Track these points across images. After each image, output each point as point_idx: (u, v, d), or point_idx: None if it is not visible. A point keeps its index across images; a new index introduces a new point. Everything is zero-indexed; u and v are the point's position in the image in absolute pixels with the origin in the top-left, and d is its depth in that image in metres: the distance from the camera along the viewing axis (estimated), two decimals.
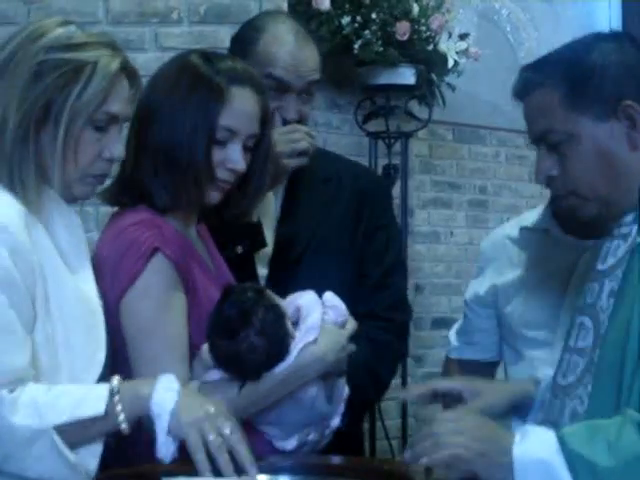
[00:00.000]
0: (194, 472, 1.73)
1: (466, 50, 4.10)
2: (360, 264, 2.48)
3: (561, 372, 1.80)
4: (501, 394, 1.95)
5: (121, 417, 1.73)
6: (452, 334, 2.93)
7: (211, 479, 1.72)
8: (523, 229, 2.65)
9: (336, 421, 2.08)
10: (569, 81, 1.78)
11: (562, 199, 1.83)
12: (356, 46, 3.88)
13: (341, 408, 2.09)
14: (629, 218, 1.79)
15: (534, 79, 1.82)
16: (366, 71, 4.03)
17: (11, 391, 1.72)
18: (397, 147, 4.25)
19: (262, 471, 1.81)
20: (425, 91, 4.19)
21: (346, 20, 3.85)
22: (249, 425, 1.98)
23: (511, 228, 2.74)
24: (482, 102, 4.92)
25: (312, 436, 2.06)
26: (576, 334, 1.80)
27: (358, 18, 3.86)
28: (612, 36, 1.86)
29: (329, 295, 2.08)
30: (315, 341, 1.97)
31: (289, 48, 2.42)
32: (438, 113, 4.39)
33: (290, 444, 2.03)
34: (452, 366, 2.91)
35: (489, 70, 4.64)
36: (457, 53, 4.06)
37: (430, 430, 1.62)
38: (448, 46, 4.03)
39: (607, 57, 1.80)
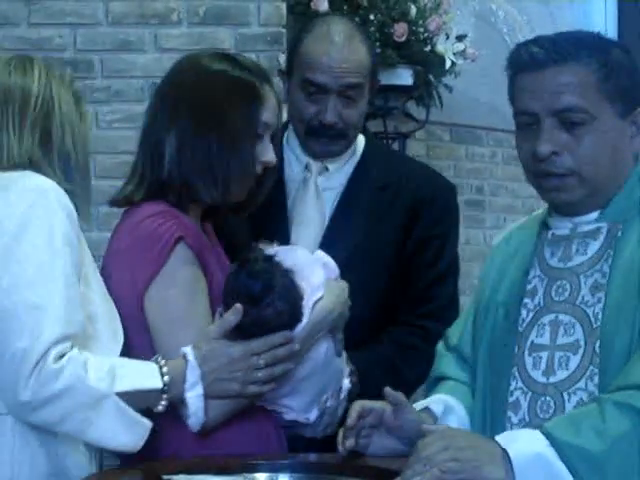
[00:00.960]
0: (194, 471, 1.76)
1: (463, 51, 4.11)
2: (407, 274, 2.47)
3: (537, 370, 1.82)
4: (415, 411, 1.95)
5: (164, 401, 1.90)
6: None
7: (211, 477, 1.74)
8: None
9: (346, 382, 2.14)
10: (605, 68, 1.79)
11: (558, 178, 1.81)
12: None
13: (347, 370, 2.16)
14: (592, 216, 1.85)
15: (570, 51, 1.79)
16: None
17: (80, 352, 1.83)
18: (395, 147, 4.27)
19: (262, 470, 1.84)
20: (422, 92, 4.21)
21: None
22: (266, 411, 2.06)
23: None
24: (479, 103, 4.94)
25: (330, 402, 2.11)
26: (549, 331, 1.82)
27: (356, 19, 3.87)
28: (624, 45, 1.89)
29: (321, 253, 2.15)
30: (322, 297, 2.04)
31: (325, 48, 2.41)
32: (435, 114, 4.40)
33: (313, 414, 2.09)
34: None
35: (486, 71, 4.66)
36: (454, 54, 4.07)
37: (416, 456, 1.64)
38: (445, 47, 4.04)
39: (630, 61, 1.84)
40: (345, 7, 3.88)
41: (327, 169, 2.53)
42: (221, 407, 1.97)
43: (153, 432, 1.90)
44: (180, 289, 1.97)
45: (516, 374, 1.85)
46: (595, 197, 1.83)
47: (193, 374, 1.92)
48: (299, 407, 2.09)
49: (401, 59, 3.97)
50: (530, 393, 1.82)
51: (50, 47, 3.60)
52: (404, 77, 4.04)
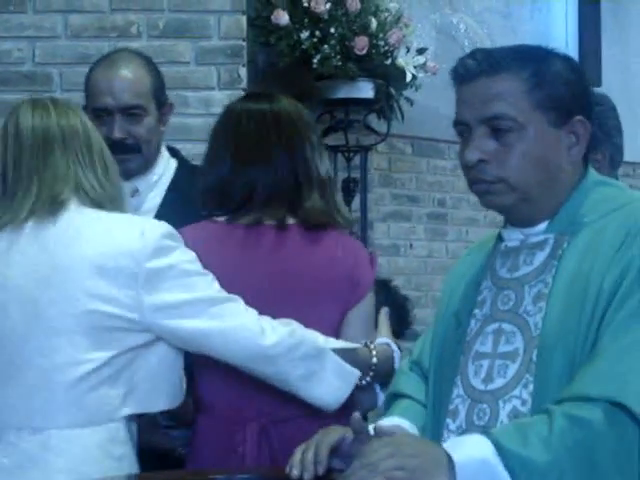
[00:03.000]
0: None
1: (424, 64, 4.13)
2: None
3: (478, 378, 1.83)
4: None
5: (369, 377, 2.25)
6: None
7: None
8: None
9: None
10: (537, 78, 1.81)
11: (487, 184, 1.83)
12: (315, 60, 3.90)
13: None
14: (540, 227, 1.86)
15: (502, 62, 1.81)
16: (325, 85, 4.05)
17: None
18: (356, 161, 4.28)
19: None
20: (384, 105, 4.22)
21: (305, 35, 3.87)
22: None
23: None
24: (441, 116, 4.93)
25: None
26: (492, 340, 1.84)
27: (317, 33, 3.88)
28: (566, 55, 1.91)
29: None
30: None
31: (102, 75, 2.64)
32: (397, 127, 4.42)
33: None
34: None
35: (447, 84, 4.67)
36: (415, 67, 4.09)
37: (362, 461, 1.63)
38: (406, 60, 4.05)
39: (569, 71, 1.85)
40: (305, 20, 3.88)
41: (137, 190, 2.69)
42: None
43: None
44: None
45: (458, 382, 1.86)
46: (533, 205, 1.84)
47: (397, 362, 2.29)
48: None
49: (362, 72, 3.99)
50: (469, 400, 1.83)
51: (9, 60, 3.59)
52: (365, 90, 4.06)
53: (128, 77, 2.63)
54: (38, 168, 2.09)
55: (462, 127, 1.86)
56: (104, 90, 2.61)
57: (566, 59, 1.88)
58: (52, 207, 2.06)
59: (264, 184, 2.27)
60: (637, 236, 1.75)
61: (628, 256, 1.73)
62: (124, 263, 2.02)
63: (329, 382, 2.16)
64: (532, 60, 1.83)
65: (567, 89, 1.83)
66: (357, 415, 1.84)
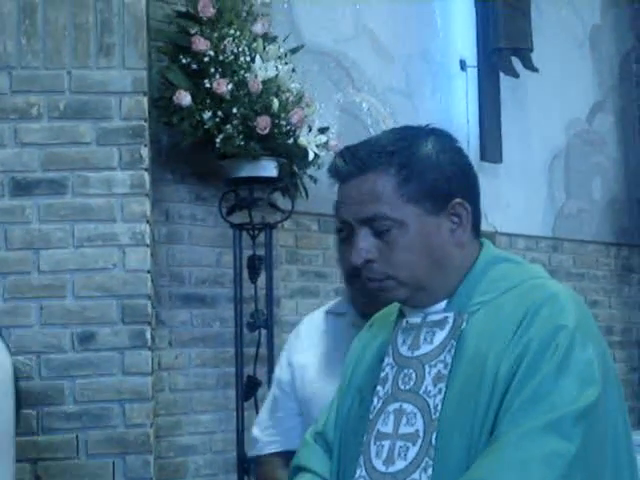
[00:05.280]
0: None
1: (326, 143, 4.19)
2: None
3: (379, 459, 1.80)
4: None
5: None
6: (256, 430, 2.74)
7: None
8: (328, 312, 2.68)
9: None
10: (404, 171, 1.80)
11: (377, 281, 1.84)
12: (218, 140, 3.93)
13: None
14: (440, 306, 1.86)
15: (367, 161, 1.80)
16: (229, 164, 4.08)
17: None
18: (261, 238, 4.30)
19: None
20: (287, 183, 4.26)
21: (207, 115, 3.90)
22: None
23: (319, 312, 2.76)
24: None
25: None
26: (393, 420, 1.82)
27: (219, 113, 3.92)
28: (437, 132, 1.89)
29: None
30: None
31: None
32: (302, 204, 4.46)
33: None
34: (269, 465, 2.69)
35: None
36: (317, 146, 4.14)
37: None
38: (308, 139, 4.10)
39: (439, 153, 1.83)
40: (208, 101, 3.92)
41: None
42: None
43: None
44: None
45: (362, 462, 1.83)
46: (428, 292, 1.84)
47: None
48: None
49: (265, 151, 4.02)
50: None
51: None
52: (268, 169, 4.09)
53: None
54: None
55: (345, 226, 1.86)
56: None
57: (439, 139, 1.86)
58: None
59: None
60: (534, 318, 1.74)
61: (525, 340, 1.73)
62: None
63: None
64: (398, 152, 1.82)
65: (439, 173, 1.82)
66: None
